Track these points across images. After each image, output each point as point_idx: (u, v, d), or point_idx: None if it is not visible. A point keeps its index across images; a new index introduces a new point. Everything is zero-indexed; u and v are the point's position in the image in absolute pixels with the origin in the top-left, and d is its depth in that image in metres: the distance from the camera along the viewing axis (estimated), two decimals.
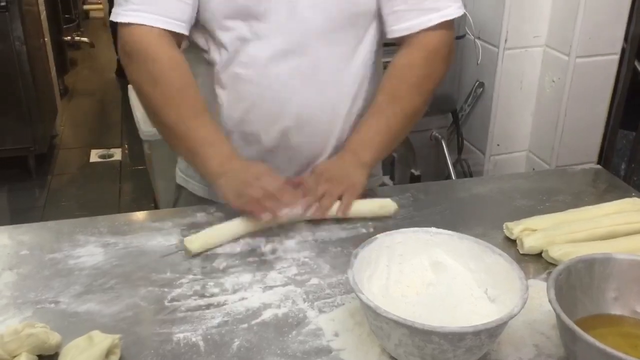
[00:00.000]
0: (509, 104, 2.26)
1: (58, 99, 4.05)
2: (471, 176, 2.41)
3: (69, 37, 4.96)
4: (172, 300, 0.91)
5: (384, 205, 1.12)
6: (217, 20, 1.11)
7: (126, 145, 3.85)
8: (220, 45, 1.14)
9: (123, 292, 0.92)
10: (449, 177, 2.32)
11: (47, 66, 3.83)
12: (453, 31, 1.19)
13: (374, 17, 1.16)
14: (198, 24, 1.14)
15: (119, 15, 1.10)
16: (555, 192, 1.23)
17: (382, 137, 1.16)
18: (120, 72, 4.80)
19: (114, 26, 1.14)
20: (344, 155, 1.15)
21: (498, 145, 2.31)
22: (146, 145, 2.45)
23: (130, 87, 2.66)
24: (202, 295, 0.92)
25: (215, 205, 1.16)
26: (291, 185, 1.10)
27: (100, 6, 6.17)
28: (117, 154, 3.75)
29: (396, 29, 1.15)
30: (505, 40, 2.15)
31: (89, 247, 1.02)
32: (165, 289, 0.93)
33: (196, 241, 1.01)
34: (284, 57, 1.12)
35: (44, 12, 3.86)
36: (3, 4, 2.97)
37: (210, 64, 1.17)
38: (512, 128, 2.30)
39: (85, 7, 6.43)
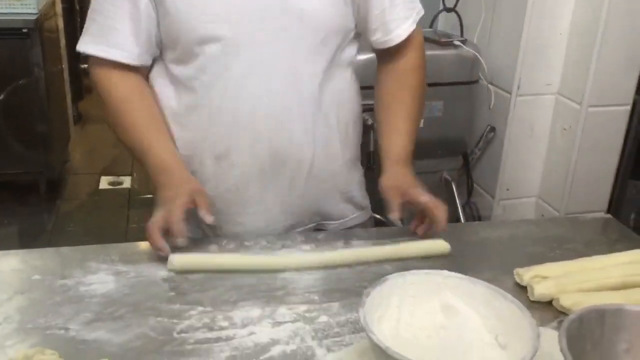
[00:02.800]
0: (519, 150, 2.27)
1: (72, 125, 4.09)
2: (480, 220, 2.41)
3: (85, 65, 5.03)
4: (181, 332, 0.91)
5: (437, 246, 1.16)
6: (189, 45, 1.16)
7: (135, 174, 3.87)
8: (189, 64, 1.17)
9: (133, 321, 0.92)
10: (457, 219, 2.32)
11: (63, 92, 3.88)
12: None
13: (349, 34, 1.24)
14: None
15: (80, 45, 1.20)
16: (566, 240, 1.23)
17: (409, 127, 1.26)
18: None
19: None
20: (398, 167, 1.23)
21: (508, 190, 2.32)
22: None
23: None
24: (211, 329, 0.91)
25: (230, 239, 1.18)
26: None
27: None
28: (126, 182, 3.77)
29: (390, 38, 1.25)
30: (518, 87, 2.18)
31: (100, 275, 1.03)
32: (175, 320, 0.93)
33: (179, 260, 1.05)
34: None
35: (64, 39, 3.93)
36: (25, 30, 3.04)
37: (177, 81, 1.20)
38: (522, 174, 2.30)
39: None
